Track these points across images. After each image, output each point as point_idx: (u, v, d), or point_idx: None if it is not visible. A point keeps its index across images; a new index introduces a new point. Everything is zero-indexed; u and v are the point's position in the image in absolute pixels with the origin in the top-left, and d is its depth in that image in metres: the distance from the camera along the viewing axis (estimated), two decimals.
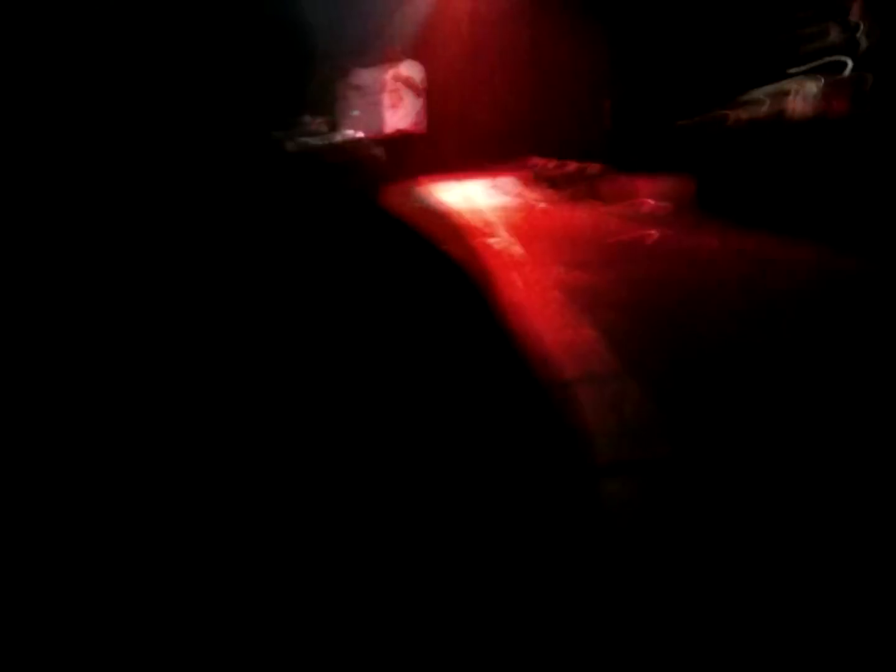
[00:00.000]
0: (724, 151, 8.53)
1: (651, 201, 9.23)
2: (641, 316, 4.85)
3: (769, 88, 8.07)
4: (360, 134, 11.93)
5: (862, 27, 7.43)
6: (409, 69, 9.84)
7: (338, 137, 11.80)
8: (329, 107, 11.61)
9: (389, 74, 9.80)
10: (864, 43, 7.54)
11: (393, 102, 9.88)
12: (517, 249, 7.00)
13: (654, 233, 7.34)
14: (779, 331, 4.46)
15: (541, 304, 5.15)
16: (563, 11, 12.42)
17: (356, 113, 11.78)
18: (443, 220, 8.88)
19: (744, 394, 3.54)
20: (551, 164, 11.44)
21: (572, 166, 10.73)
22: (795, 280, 5.50)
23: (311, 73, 11.94)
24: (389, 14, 12.79)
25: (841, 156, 6.99)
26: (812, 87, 7.82)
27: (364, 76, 10.74)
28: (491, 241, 7.53)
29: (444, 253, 4.76)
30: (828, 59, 7.84)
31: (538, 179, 11.70)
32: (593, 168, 10.33)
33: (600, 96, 12.51)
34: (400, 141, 10.11)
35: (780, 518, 2.48)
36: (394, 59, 9.89)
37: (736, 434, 3.13)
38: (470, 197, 10.75)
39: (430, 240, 5.20)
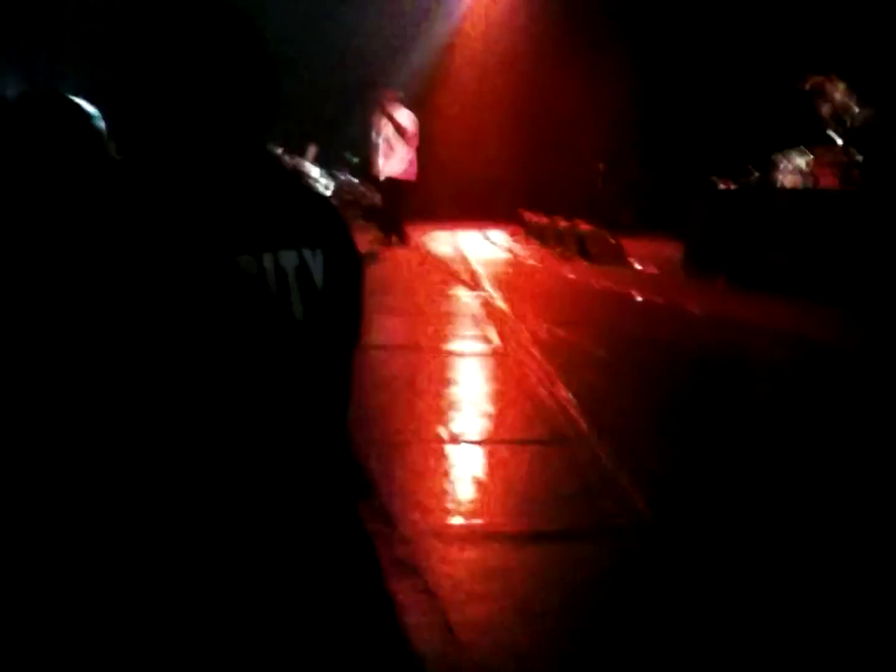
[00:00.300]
0: (712, 216, 8.63)
1: (638, 262, 9.32)
2: (618, 377, 4.87)
3: (778, 156, 8.16)
4: (355, 180, 12.05)
5: (849, 106, 7.58)
6: (404, 118, 9.95)
7: (340, 178, 11.92)
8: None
9: (384, 121, 9.92)
10: (849, 121, 7.69)
11: (386, 150, 9.98)
12: (499, 304, 7.04)
13: (637, 293, 7.40)
14: (753, 398, 4.49)
15: (515, 362, 5.17)
16: (564, 74, 12.63)
17: (356, 160, 11.89)
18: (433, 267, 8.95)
19: (712, 462, 3.54)
20: (543, 220, 11.54)
21: (563, 223, 10.83)
22: (773, 347, 5.56)
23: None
24: (389, 59, 13.05)
25: (825, 225, 7.10)
26: (800, 160, 7.95)
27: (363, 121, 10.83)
28: (474, 293, 7.58)
29: None
30: (819, 133, 8.00)
31: (529, 235, 11.80)
32: (583, 226, 10.42)
33: (595, 157, 12.70)
34: (393, 187, 10.17)
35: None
36: (390, 106, 9.99)
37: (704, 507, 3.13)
38: (458, 247, 10.85)
39: None
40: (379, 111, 9.92)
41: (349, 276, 1.26)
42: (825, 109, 7.83)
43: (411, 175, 9.97)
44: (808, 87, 7.90)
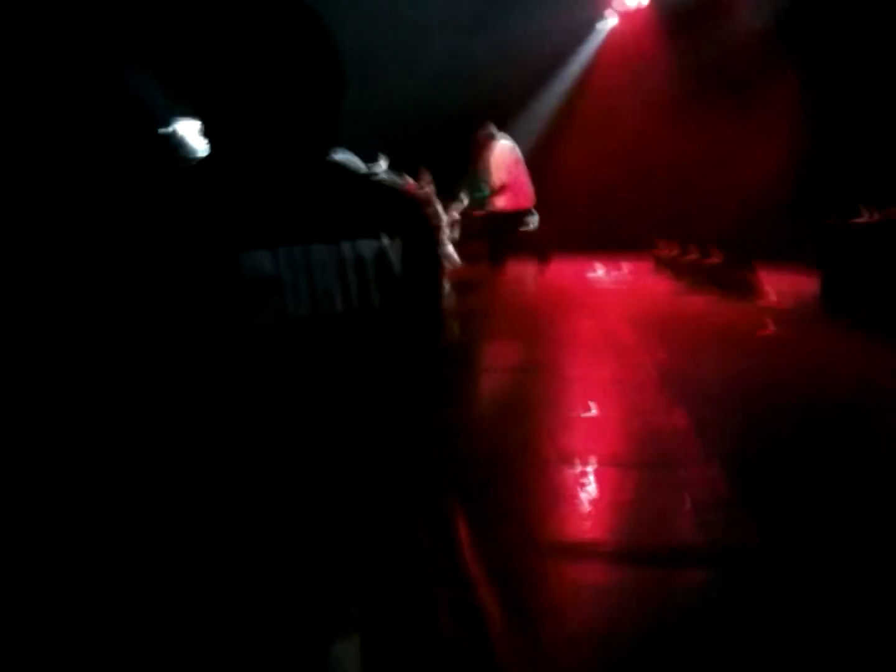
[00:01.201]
0: (851, 249, 8.23)
1: (770, 296, 9.01)
2: (733, 410, 4.73)
3: None
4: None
5: None
6: (497, 151, 9.95)
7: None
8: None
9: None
10: None
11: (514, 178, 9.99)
12: (624, 333, 6.98)
13: (767, 329, 7.16)
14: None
15: (635, 385, 5.12)
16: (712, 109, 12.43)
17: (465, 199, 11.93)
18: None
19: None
20: (674, 251, 11.35)
21: (693, 255, 10.62)
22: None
23: None
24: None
25: None
26: None
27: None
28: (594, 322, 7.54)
29: None
30: None
31: (659, 266, 11.64)
32: (715, 258, 10.17)
33: (727, 187, 12.39)
34: (494, 220, 10.22)
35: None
36: (482, 143, 10.03)
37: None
38: (587, 278, 10.79)
39: None
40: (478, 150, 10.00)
41: (426, 263, 1.32)
42: None
43: (513, 205, 9.90)
44: None
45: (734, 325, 7.47)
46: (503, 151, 9.84)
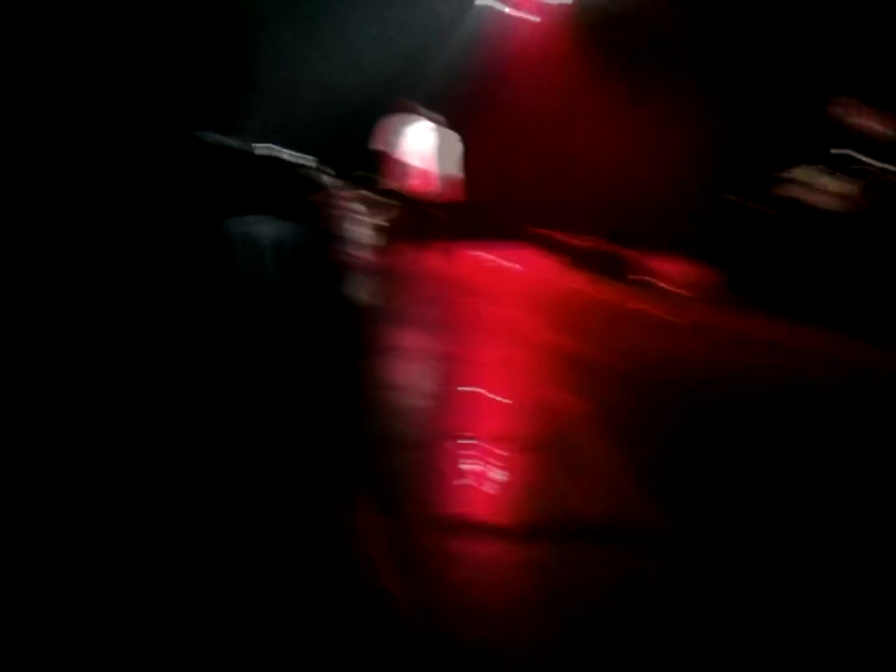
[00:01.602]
0: (747, 237, 8.52)
1: (669, 281, 9.26)
2: (629, 390, 4.84)
3: (796, 173, 8.08)
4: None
5: (874, 124, 7.51)
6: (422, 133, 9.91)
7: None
8: None
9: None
10: (882, 139, 7.62)
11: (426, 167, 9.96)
12: (518, 317, 7.04)
13: (663, 312, 7.35)
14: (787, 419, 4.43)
15: (531, 367, 5.17)
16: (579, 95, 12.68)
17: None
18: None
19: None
20: (569, 239, 11.53)
21: (591, 243, 10.82)
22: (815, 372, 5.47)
23: None
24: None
25: (859, 248, 7.00)
26: (831, 181, 7.87)
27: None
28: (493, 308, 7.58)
29: None
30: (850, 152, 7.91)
31: (554, 254, 11.80)
32: (615, 247, 10.40)
33: (627, 174, 12.66)
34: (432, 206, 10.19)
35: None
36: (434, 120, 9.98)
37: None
38: (480, 265, 10.84)
39: None
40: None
41: (318, 249, 1.31)
42: (849, 131, 7.80)
43: (418, 190, 9.89)
44: (832, 113, 7.85)
45: (636, 311, 7.65)
46: (412, 137, 9.81)
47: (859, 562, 2.68)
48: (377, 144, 10.07)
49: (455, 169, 10.10)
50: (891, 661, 2.13)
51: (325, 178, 11.70)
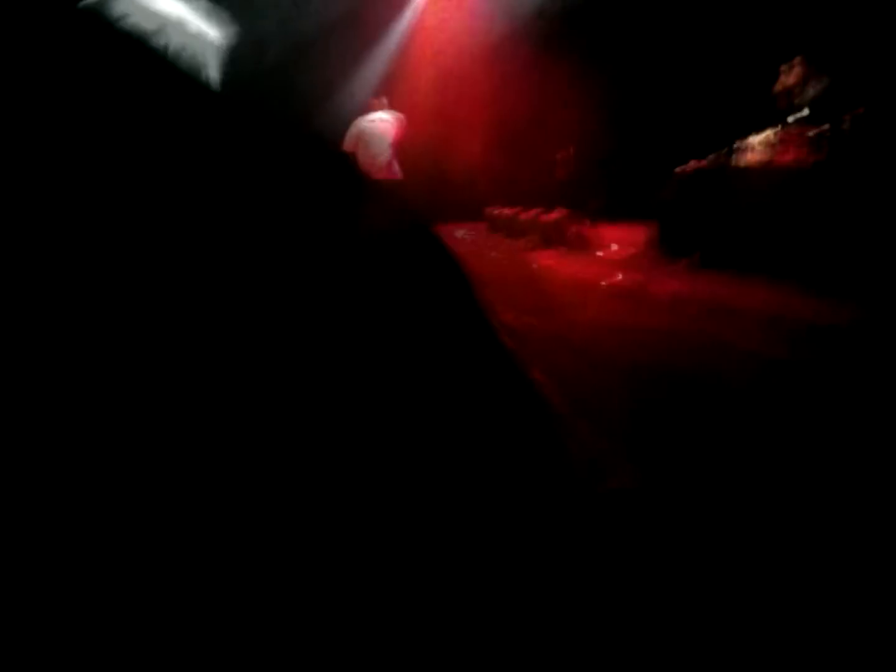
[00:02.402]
0: (681, 198, 8.55)
1: (611, 247, 9.25)
2: (593, 361, 4.77)
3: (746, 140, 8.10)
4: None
5: (807, 78, 7.56)
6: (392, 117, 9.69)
7: None
8: None
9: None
10: (810, 93, 7.66)
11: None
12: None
13: (601, 278, 7.31)
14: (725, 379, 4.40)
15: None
16: (525, 65, 12.62)
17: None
18: None
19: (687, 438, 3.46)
20: (508, 212, 11.44)
21: (529, 214, 10.74)
22: (746, 329, 5.46)
23: None
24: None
25: (791, 202, 7.04)
26: (763, 136, 7.89)
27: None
28: None
29: None
30: (782, 108, 7.97)
31: (494, 229, 11.71)
32: (552, 216, 10.32)
33: (563, 146, 12.62)
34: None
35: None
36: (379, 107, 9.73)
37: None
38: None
39: None
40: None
41: None
42: (779, 88, 7.88)
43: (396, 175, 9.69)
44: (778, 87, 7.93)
45: (577, 278, 7.59)
46: (356, 123, 9.59)
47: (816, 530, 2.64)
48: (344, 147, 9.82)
49: (397, 152, 9.90)
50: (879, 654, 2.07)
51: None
